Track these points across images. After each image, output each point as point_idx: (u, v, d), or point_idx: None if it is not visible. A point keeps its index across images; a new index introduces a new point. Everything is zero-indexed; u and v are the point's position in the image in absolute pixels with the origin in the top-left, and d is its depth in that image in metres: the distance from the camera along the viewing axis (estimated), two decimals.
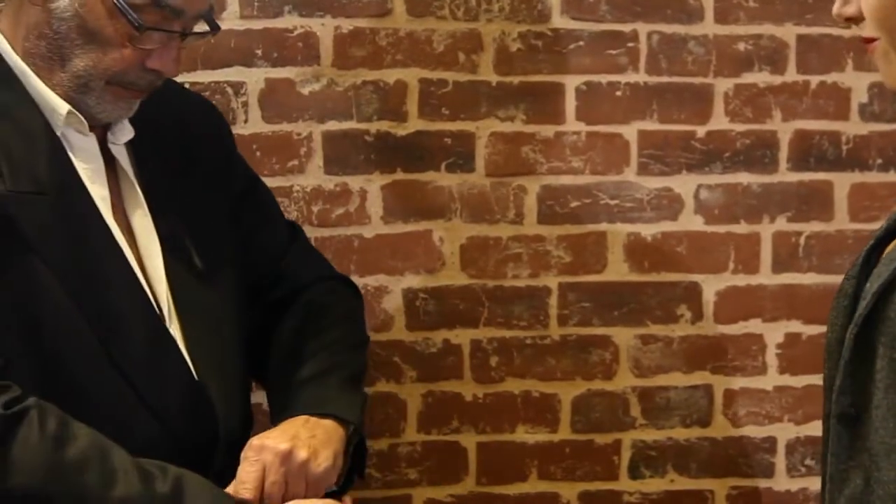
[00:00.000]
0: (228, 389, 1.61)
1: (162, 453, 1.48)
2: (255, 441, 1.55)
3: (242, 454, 1.55)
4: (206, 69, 2.13)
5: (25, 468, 1.37)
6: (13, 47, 1.53)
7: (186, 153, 1.68)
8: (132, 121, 1.61)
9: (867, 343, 1.35)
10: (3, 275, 1.44)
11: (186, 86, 2.07)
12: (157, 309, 1.55)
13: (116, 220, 1.56)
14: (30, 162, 1.49)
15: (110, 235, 1.54)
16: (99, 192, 1.55)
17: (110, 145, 1.60)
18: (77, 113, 1.53)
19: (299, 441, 1.55)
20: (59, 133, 1.53)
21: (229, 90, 2.14)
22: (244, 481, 1.52)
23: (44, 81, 1.52)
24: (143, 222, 1.59)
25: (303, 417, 1.59)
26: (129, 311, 1.52)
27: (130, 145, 1.62)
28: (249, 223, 1.74)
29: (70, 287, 1.47)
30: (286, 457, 1.53)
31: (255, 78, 2.15)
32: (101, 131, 1.60)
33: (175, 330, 1.57)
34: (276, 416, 1.64)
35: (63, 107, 1.52)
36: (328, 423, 1.60)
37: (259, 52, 2.15)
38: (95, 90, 1.53)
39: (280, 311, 1.74)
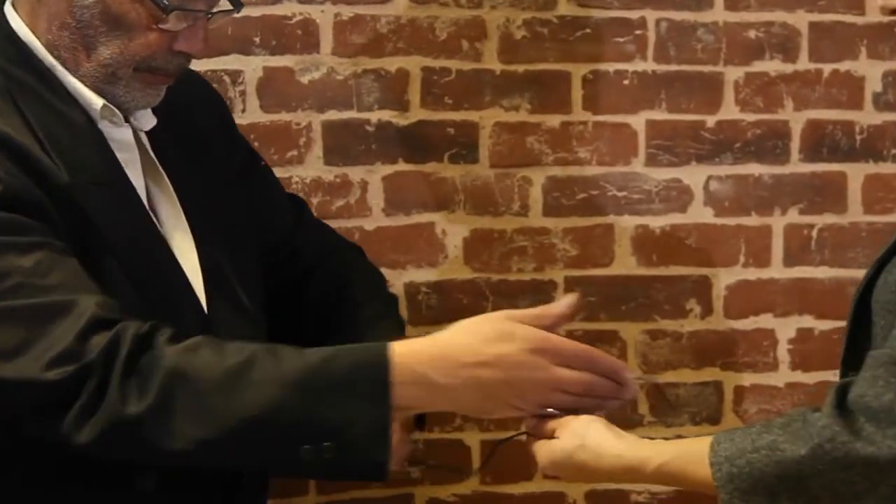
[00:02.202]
0: None
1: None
2: None
3: None
4: (202, 57, 2.03)
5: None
6: (38, 41, 1.52)
7: (197, 136, 1.68)
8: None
9: (866, 311, 1.40)
10: (82, 264, 1.44)
11: None
12: (200, 302, 1.57)
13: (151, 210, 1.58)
14: (80, 154, 1.49)
15: (155, 228, 1.55)
16: (137, 183, 1.56)
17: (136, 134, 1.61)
18: (111, 106, 1.53)
19: None
20: (99, 126, 1.53)
21: (227, 79, 2.13)
22: None
23: (71, 74, 1.51)
24: (173, 213, 1.59)
25: None
26: (180, 303, 1.54)
27: (149, 133, 1.62)
28: (257, 200, 1.76)
29: (132, 278, 1.48)
30: None
31: (252, 66, 2.13)
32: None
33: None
34: None
35: (98, 101, 1.51)
36: None
37: (257, 39, 2.13)
38: (123, 79, 1.52)
39: (301, 283, 1.78)
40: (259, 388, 1.35)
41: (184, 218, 1.59)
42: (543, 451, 1.46)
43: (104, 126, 1.53)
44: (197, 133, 1.68)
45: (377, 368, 1.36)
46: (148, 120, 1.60)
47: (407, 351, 1.40)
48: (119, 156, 1.54)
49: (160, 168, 1.61)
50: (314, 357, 1.38)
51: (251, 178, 1.76)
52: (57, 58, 1.51)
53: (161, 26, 1.49)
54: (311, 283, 1.78)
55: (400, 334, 1.68)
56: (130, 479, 1.47)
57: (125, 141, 1.56)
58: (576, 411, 1.44)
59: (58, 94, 1.50)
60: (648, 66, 2.21)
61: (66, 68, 1.51)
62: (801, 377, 2.28)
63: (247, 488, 1.59)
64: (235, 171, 1.74)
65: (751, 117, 2.23)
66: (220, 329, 1.54)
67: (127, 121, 1.57)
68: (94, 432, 1.34)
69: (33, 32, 1.52)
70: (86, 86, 1.51)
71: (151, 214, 1.55)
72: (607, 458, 1.42)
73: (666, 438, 2.16)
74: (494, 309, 2.15)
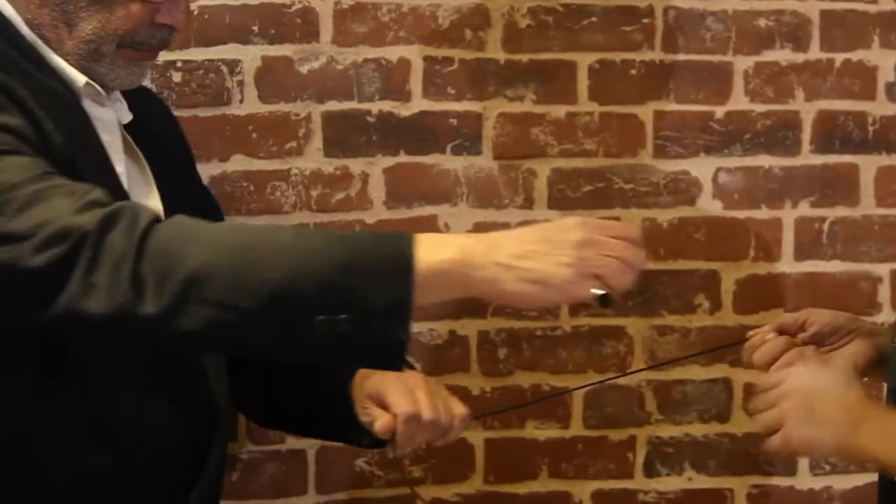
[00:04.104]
0: (223, 380, 1.63)
1: (168, 438, 1.51)
2: None
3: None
4: (199, 46, 2.09)
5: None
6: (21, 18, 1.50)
7: (162, 143, 1.68)
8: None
9: None
10: None
11: (179, 64, 2.08)
12: None
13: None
14: (64, 129, 1.45)
15: None
16: (118, 166, 1.54)
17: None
18: (94, 84, 1.51)
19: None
20: (83, 104, 1.51)
21: (224, 69, 2.11)
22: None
23: (56, 53, 1.49)
24: (151, 200, 1.57)
25: None
26: None
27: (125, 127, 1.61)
28: None
29: None
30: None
31: (251, 56, 2.11)
32: None
33: None
34: None
35: (80, 78, 1.50)
36: None
37: (255, 28, 2.11)
38: (107, 56, 1.50)
39: None
40: (277, 257, 1.26)
41: (161, 205, 1.57)
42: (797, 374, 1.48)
43: (87, 105, 1.51)
44: (161, 141, 1.67)
45: (402, 243, 1.28)
46: (125, 114, 1.58)
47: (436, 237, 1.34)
48: (102, 136, 1.52)
49: (140, 154, 1.59)
50: (333, 233, 1.33)
51: (207, 207, 1.75)
52: (40, 36, 1.49)
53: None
54: None
55: None
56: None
57: (108, 121, 1.54)
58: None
59: (42, 71, 1.48)
60: (656, 55, 2.20)
61: (51, 47, 1.49)
62: None
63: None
64: (196, 192, 1.75)
65: (761, 108, 2.22)
66: None
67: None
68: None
69: (15, 9, 1.49)
70: (70, 64, 1.49)
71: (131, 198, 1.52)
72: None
73: (673, 437, 2.23)
74: (497, 306, 2.17)
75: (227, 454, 1.66)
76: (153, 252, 1.24)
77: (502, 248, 1.29)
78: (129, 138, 1.59)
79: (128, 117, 1.59)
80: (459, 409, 1.63)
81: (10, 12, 1.49)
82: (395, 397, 1.59)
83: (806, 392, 1.47)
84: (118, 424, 1.46)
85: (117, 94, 1.58)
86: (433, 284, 1.27)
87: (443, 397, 1.63)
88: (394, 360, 1.28)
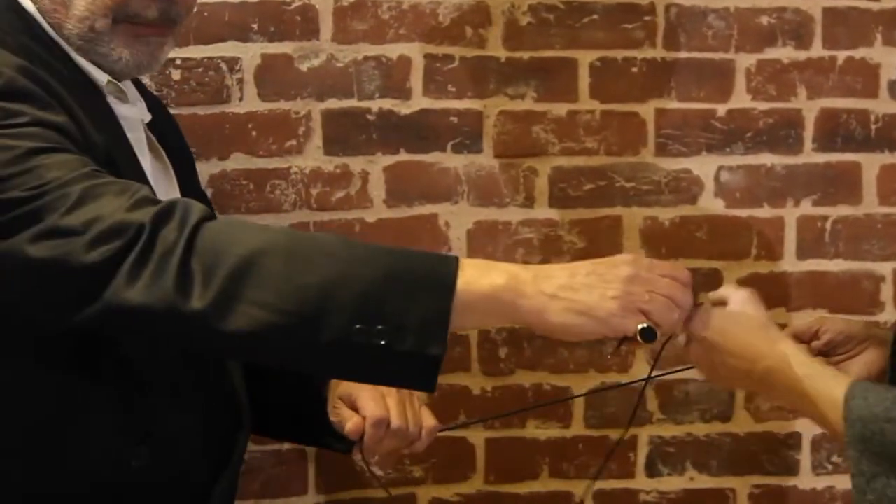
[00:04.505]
0: (243, 381, 1.66)
1: (195, 437, 1.51)
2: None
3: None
4: (198, 44, 2.09)
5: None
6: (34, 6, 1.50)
7: (175, 147, 1.70)
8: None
9: None
10: None
11: (178, 62, 2.07)
12: None
13: None
14: (94, 126, 1.45)
15: None
16: (144, 163, 1.54)
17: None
18: (116, 82, 1.52)
19: None
20: (109, 100, 1.52)
21: (223, 66, 2.10)
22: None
23: (58, 34, 1.49)
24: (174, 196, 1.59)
25: None
26: None
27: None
28: None
29: None
30: None
31: (250, 53, 2.11)
32: None
33: None
34: None
35: (102, 77, 1.51)
36: None
37: (255, 25, 2.11)
38: (104, 33, 1.49)
39: None
40: (323, 261, 1.26)
41: None
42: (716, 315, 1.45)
43: (112, 102, 1.52)
44: (173, 143, 1.69)
45: (447, 262, 1.29)
46: (144, 112, 1.60)
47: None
48: (128, 134, 1.52)
49: (163, 153, 1.60)
50: (380, 246, 1.32)
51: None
52: (51, 25, 1.49)
53: None
54: None
55: None
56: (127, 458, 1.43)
57: (133, 119, 1.55)
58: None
59: (67, 67, 1.48)
60: (658, 53, 2.19)
61: (61, 36, 1.49)
62: None
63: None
64: (198, 195, 1.75)
65: (763, 106, 2.21)
66: None
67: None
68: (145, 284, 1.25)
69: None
70: (78, 53, 1.49)
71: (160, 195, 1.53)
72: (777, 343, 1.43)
73: (675, 437, 2.22)
74: None
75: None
76: (202, 248, 1.25)
77: (551, 279, 1.30)
78: (152, 137, 1.61)
79: (148, 116, 1.60)
80: (430, 420, 1.65)
81: (30, 6, 1.50)
82: (366, 401, 1.61)
83: (709, 359, 1.46)
84: (152, 421, 1.46)
85: (136, 94, 1.59)
86: (478, 308, 1.28)
87: (414, 408, 1.64)
88: (426, 377, 1.28)
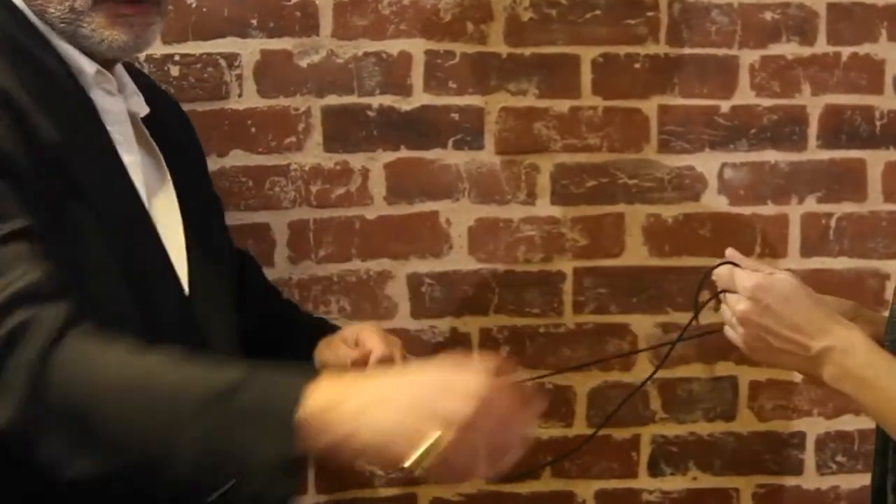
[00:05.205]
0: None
1: None
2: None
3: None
4: (197, 40, 2.08)
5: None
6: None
7: (180, 142, 1.69)
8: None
9: None
10: (58, 219, 1.40)
11: (176, 58, 2.07)
12: (181, 284, 1.54)
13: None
14: (70, 121, 1.45)
15: (141, 203, 1.52)
16: (128, 158, 1.53)
17: (135, 117, 1.59)
18: (105, 72, 1.51)
19: None
20: (90, 94, 1.51)
21: (222, 62, 2.09)
22: None
23: (42, 21, 1.48)
24: (165, 193, 1.58)
25: None
26: (159, 281, 1.52)
27: (144, 120, 1.61)
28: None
29: (112, 249, 1.44)
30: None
31: (249, 49, 2.10)
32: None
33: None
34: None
35: (90, 66, 1.50)
36: None
37: (254, 21, 2.10)
38: (84, 13, 1.48)
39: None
40: (164, 409, 1.26)
41: (175, 199, 1.57)
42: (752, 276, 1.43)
43: (96, 96, 1.51)
44: (177, 140, 1.68)
45: (288, 395, 1.25)
46: (142, 106, 1.59)
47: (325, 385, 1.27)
48: (111, 128, 1.51)
49: (156, 147, 1.59)
50: (222, 378, 1.28)
51: (214, 214, 1.78)
52: (35, 13, 1.48)
53: None
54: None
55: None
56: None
57: (118, 112, 1.54)
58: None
59: (50, 58, 1.48)
60: (661, 48, 2.18)
61: (45, 22, 1.48)
62: None
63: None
64: (215, 196, 1.78)
65: (767, 102, 2.20)
66: (198, 311, 1.53)
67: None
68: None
69: None
70: (62, 39, 1.48)
71: (141, 189, 1.52)
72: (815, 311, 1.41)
73: (678, 436, 2.21)
74: (501, 301, 2.19)
75: None
76: (50, 383, 1.25)
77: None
78: (145, 131, 1.59)
79: (144, 110, 1.59)
80: None
81: (19, 1, 1.49)
82: (373, 341, 1.67)
83: (761, 325, 1.43)
84: None
85: (133, 88, 1.59)
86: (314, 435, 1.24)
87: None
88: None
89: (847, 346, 1.38)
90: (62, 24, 1.48)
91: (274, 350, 1.73)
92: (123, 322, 1.41)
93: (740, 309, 1.44)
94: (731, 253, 1.51)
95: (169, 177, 1.59)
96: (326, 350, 1.73)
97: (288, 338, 1.81)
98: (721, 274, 1.49)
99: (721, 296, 1.47)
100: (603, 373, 2.20)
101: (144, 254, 1.50)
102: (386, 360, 1.64)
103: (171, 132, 1.67)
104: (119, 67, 1.58)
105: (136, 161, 1.53)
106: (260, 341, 1.74)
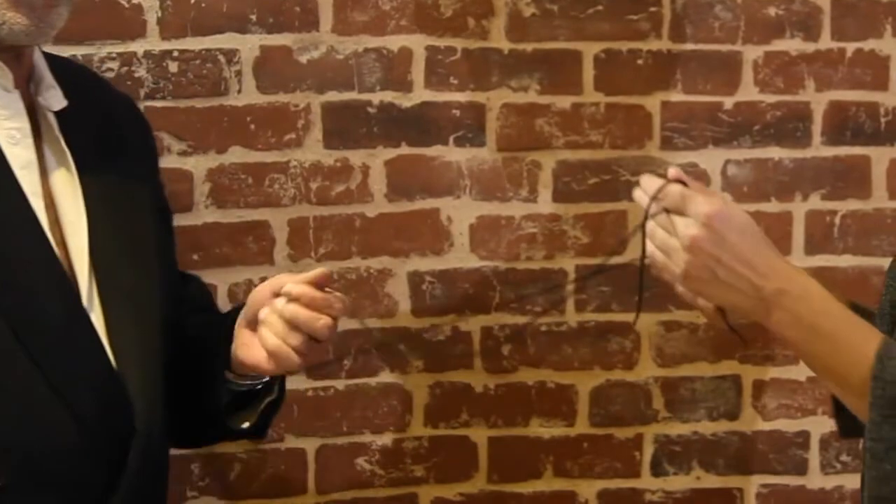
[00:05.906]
0: (149, 380, 1.53)
1: (73, 443, 1.43)
2: None
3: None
4: (196, 36, 2.07)
5: None
6: None
7: (114, 140, 1.61)
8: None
9: None
10: None
11: (175, 54, 2.06)
12: (75, 289, 1.48)
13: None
14: None
15: (26, 206, 1.45)
16: (23, 156, 1.47)
17: (43, 111, 1.53)
18: (2, 66, 1.46)
19: None
20: None
21: (221, 58, 2.08)
22: None
23: None
24: (70, 195, 1.51)
25: None
26: (43, 290, 1.45)
27: (61, 115, 1.54)
28: (162, 242, 1.69)
29: None
30: None
31: (249, 45, 2.09)
32: (28, 94, 1.51)
33: (96, 313, 1.49)
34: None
35: None
36: None
37: (253, 17, 2.09)
38: None
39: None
40: None
41: (81, 200, 1.51)
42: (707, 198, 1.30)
43: None
44: (116, 139, 1.61)
45: None
46: (58, 100, 1.53)
47: None
48: (3, 123, 1.46)
49: (64, 145, 1.52)
50: None
51: (163, 222, 1.70)
52: None
53: None
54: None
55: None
56: None
57: (12, 108, 1.48)
58: None
59: None
60: (663, 44, 2.17)
61: None
62: None
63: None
64: (152, 202, 1.67)
65: (770, 98, 2.20)
66: (107, 321, 1.47)
67: (31, 97, 1.50)
68: None
69: None
70: None
71: (30, 193, 1.46)
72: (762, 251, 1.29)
73: (681, 435, 2.21)
74: (501, 299, 2.18)
75: (163, 456, 1.59)
76: None
77: None
78: (53, 126, 1.53)
79: (59, 105, 1.53)
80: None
81: None
82: (268, 289, 1.55)
83: (713, 254, 1.30)
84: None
85: (50, 81, 1.53)
86: None
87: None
88: None
89: (802, 291, 1.29)
90: None
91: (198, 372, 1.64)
92: None
93: (691, 234, 1.29)
94: (675, 172, 1.35)
95: (75, 173, 1.52)
96: (240, 349, 1.59)
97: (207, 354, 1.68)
98: (672, 192, 1.33)
99: (665, 215, 1.33)
100: (605, 371, 2.20)
101: (23, 254, 1.44)
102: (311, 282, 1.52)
103: (101, 129, 1.60)
104: (38, 58, 1.53)
105: (29, 158, 1.48)
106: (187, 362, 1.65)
